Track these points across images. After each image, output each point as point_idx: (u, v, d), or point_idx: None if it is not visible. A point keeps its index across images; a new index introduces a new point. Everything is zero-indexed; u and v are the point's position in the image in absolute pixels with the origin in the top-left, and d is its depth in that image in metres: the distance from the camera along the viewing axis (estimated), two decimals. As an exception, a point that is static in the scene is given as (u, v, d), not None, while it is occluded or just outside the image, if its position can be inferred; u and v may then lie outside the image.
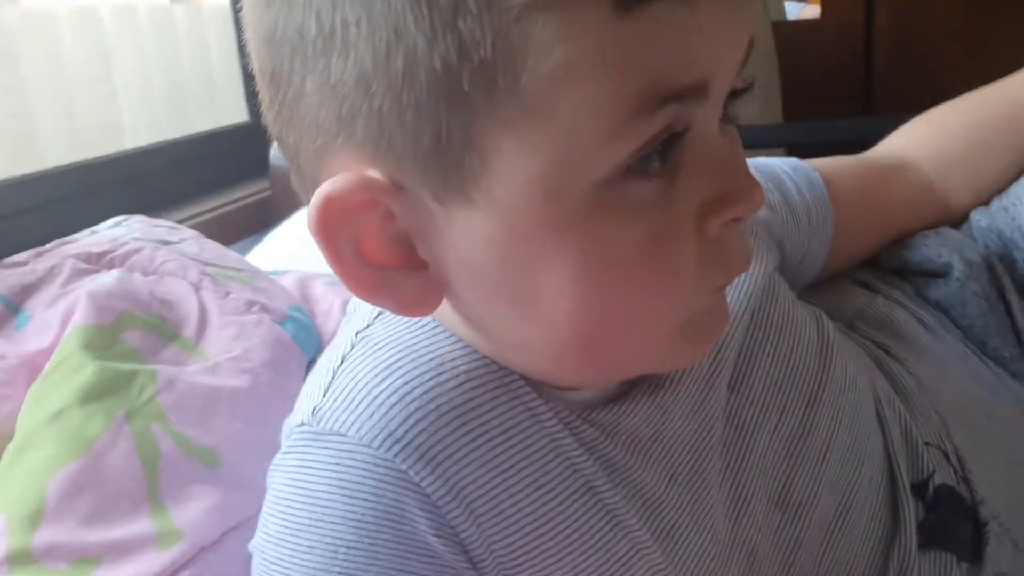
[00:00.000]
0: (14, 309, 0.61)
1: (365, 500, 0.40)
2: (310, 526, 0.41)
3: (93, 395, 0.53)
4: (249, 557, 0.45)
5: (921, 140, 0.73)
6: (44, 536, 0.47)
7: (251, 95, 0.43)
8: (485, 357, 0.44)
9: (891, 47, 1.93)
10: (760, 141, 1.26)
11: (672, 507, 0.46)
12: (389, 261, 0.40)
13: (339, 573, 0.40)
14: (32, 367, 0.57)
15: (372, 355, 0.44)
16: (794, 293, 0.59)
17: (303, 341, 0.65)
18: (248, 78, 0.41)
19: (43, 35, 1.15)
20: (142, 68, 1.31)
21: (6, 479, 0.51)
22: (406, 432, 0.41)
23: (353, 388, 0.43)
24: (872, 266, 0.71)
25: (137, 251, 0.67)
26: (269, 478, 0.45)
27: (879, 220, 0.70)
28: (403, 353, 0.43)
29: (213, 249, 0.73)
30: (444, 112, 0.35)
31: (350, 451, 0.41)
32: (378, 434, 0.41)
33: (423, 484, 0.41)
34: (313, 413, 0.43)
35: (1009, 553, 0.57)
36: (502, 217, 0.37)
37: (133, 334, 0.59)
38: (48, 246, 0.67)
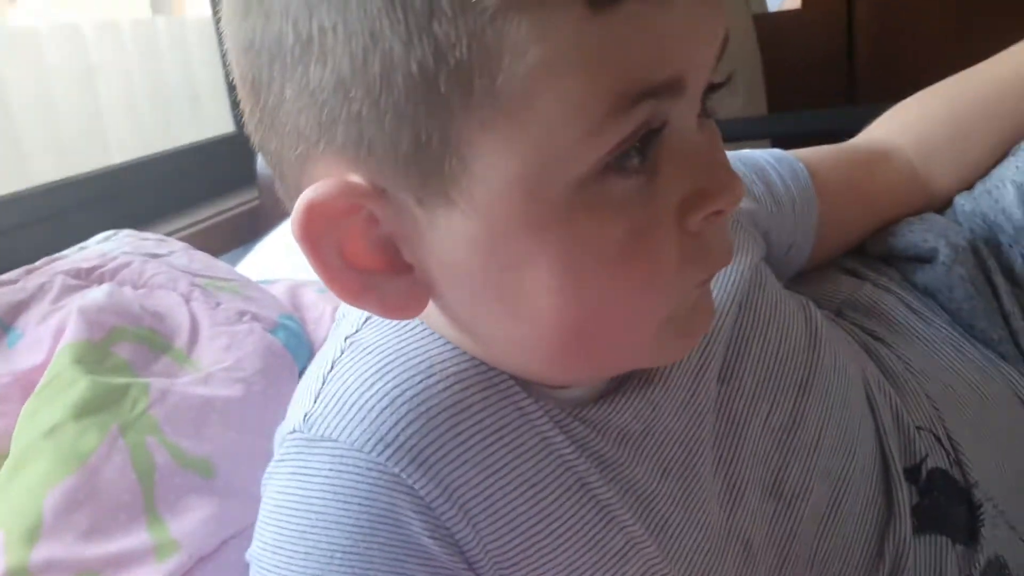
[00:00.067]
0: (5, 327, 0.61)
1: (359, 505, 0.41)
2: (305, 533, 0.41)
3: (87, 410, 0.53)
4: (247, 566, 0.45)
5: (904, 126, 0.73)
6: (42, 552, 0.48)
7: (236, 105, 0.43)
8: (474, 358, 0.44)
9: (873, 36, 1.94)
10: (744, 133, 1.26)
11: (665, 501, 0.47)
12: (374, 265, 0.40)
13: None
14: (25, 384, 0.57)
15: (361, 360, 0.44)
16: (781, 283, 0.59)
17: (295, 349, 0.65)
18: (233, 88, 0.41)
19: (26, 52, 1.15)
20: (126, 82, 1.31)
21: (3, 496, 0.51)
22: (397, 435, 0.41)
23: (343, 393, 0.43)
24: (859, 253, 0.71)
25: (126, 265, 0.67)
26: (263, 486, 0.45)
27: (864, 208, 0.70)
28: (392, 357, 0.44)
29: (202, 260, 0.73)
30: (422, 115, 0.35)
31: (342, 456, 0.41)
32: (370, 438, 0.41)
33: (416, 487, 0.41)
34: (304, 420, 0.43)
35: (1004, 534, 0.57)
36: (483, 218, 0.37)
37: (125, 348, 0.59)
38: (38, 263, 0.67)
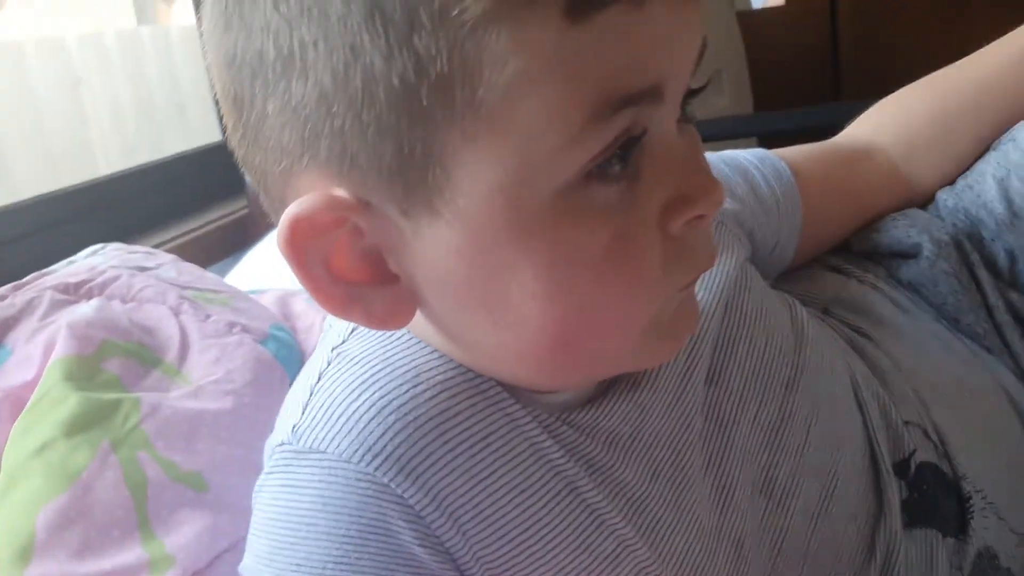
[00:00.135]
0: (-6, 344, 0.61)
1: (349, 515, 0.41)
2: (296, 544, 0.41)
3: (77, 426, 0.53)
4: (241, 579, 0.45)
5: (886, 123, 0.74)
6: (35, 571, 0.48)
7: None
8: (461, 366, 0.44)
9: (857, 32, 1.95)
10: (731, 132, 1.27)
11: (656, 503, 0.47)
12: (360, 277, 0.40)
13: None
14: (15, 401, 0.57)
15: (348, 370, 0.44)
16: (767, 283, 0.59)
17: (285, 359, 0.65)
18: (219, 97, 0.42)
19: (11, 66, 1.15)
20: (111, 93, 1.30)
21: (-5, 515, 0.51)
22: (385, 445, 0.41)
23: (331, 404, 0.43)
24: (843, 251, 0.72)
25: (115, 279, 0.67)
26: (254, 499, 0.45)
27: (847, 205, 0.70)
28: (379, 367, 0.44)
29: (191, 272, 0.73)
30: (405, 128, 0.35)
31: (331, 468, 0.41)
32: (358, 449, 0.41)
33: (405, 496, 0.41)
34: (293, 431, 0.43)
35: (994, 525, 0.58)
36: (467, 227, 0.37)
37: (115, 363, 0.59)
38: (26, 279, 0.67)
